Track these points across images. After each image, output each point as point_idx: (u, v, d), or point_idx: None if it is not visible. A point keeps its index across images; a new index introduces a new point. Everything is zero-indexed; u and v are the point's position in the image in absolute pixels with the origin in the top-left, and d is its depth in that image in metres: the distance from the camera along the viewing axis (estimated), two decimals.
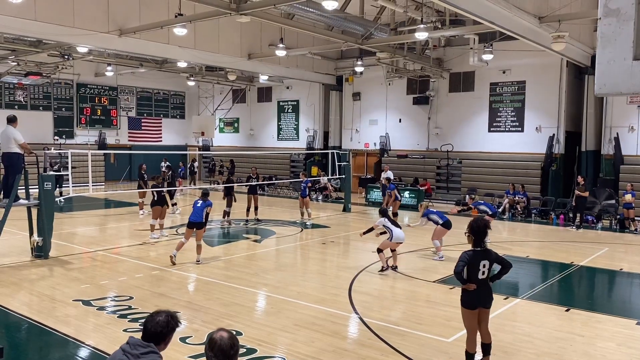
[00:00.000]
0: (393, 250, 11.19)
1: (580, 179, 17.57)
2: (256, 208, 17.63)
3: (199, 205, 11.49)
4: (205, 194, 11.69)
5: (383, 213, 11.37)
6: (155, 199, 14.58)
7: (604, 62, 2.83)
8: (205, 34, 20.40)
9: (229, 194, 16.94)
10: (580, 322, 8.02)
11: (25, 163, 11.69)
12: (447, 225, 12.18)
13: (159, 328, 3.32)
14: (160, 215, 14.51)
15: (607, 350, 6.89)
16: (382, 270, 10.93)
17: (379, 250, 11.00)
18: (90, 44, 18.10)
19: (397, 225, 11.06)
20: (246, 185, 18.01)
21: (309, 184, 18.99)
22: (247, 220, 17.35)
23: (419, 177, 23.90)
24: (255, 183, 17.74)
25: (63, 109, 29.02)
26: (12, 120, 11.21)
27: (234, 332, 3.37)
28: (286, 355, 6.54)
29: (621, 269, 11.87)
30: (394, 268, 11.10)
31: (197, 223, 11.40)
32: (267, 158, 30.13)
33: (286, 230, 16.16)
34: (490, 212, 13.54)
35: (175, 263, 11.16)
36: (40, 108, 28.13)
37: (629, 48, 2.75)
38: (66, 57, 20.67)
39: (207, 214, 11.47)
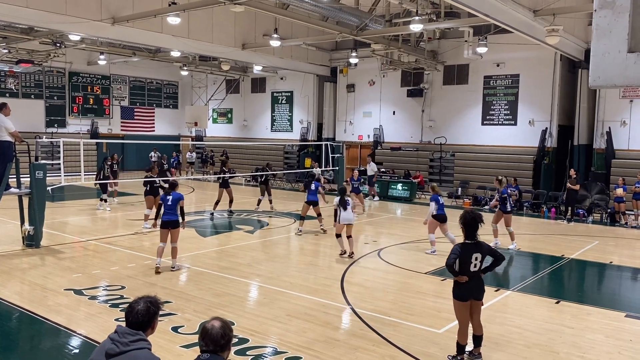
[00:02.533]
0: (349, 237, 11.45)
1: (572, 172, 17.68)
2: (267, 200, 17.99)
3: (169, 202, 9.97)
4: (173, 185, 10.35)
5: (340, 192, 11.62)
6: (148, 189, 14.54)
7: (598, 54, 2.83)
8: (199, 23, 20.26)
9: (227, 186, 16.91)
10: (570, 314, 8.09)
11: (17, 151, 11.59)
12: (439, 218, 12.06)
13: (140, 317, 3.29)
14: (155, 205, 14.39)
15: (596, 341, 6.97)
16: (341, 254, 11.40)
17: (337, 235, 11.47)
18: (83, 32, 17.92)
19: (344, 207, 11.26)
20: (260, 177, 18.60)
21: (361, 180, 19.03)
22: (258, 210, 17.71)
23: (412, 169, 23.94)
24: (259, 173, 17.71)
25: (55, 98, 28.78)
26: (2, 108, 11.10)
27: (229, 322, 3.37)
28: (278, 345, 6.56)
29: (611, 262, 11.97)
30: (350, 255, 11.36)
31: (171, 222, 9.93)
32: (261, 149, 30.07)
33: (279, 221, 16.16)
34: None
35: (160, 272, 9.81)
36: (32, 96, 27.89)
37: (624, 40, 2.75)
38: (58, 45, 20.47)
39: (182, 209, 10.08)
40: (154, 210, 14.13)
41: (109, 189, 18.12)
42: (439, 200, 12.02)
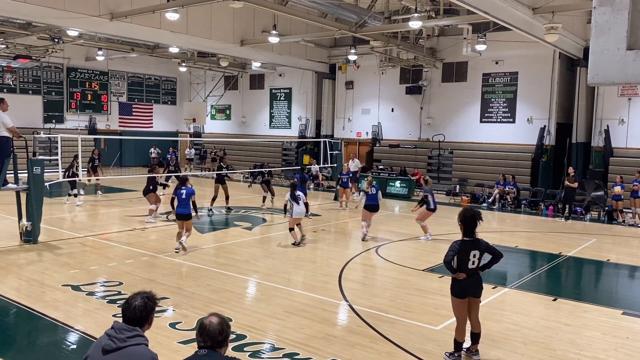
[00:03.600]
0: (298, 224, 12.27)
1: (570, 170, 17.69)
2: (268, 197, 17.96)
3: (183, 196, 11.08)
4: (184, 180, 11.45)
5: (291, 186, 12.32)
6: (151, 188, 14.90)
7: (597, 51, 2.83)
8: (198, 19, 20.21)
9: (223, 182, 16.87)
10: (567, 311, 8.11)
11: (14, 147, 11.57)
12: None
13: (138, 313, 3.30)
14: (156, 200, 14.90)
15: (593, 339, 6.98)
16: (293, 244, 12.09)
17: (290, 229, 12.20)
18: (81, 27, 17.86)
19: (297, 202, 11.99)
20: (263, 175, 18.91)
21: (350, 175, 19.06)
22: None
23: (410, 167, 23.93)
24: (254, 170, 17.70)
25: (53, 93, 28.70)
26: (0, 103, 11.07)
27: (227, 318, 3.37)
28: (276, 342, 6.57)
29: (608, 260, 12.00)
30: (297, 244, 12.06)
31: (185, 215, 11.08)
32: (259, 146, 30.05)
33: (277, 218, 16.15)
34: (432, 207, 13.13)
35: (186, 249, 11.09)
36: (30, 92, 27.81)
37: (623, 38, 2.74)
38: (56, 40, 20.41)
39: (194, 202, 11.17)
40: (159, 204, 14.77)
41: (87, 182, 19.34)
42: (432, 193, 13.05)
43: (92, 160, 19.65)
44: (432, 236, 13.12)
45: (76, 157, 17.46)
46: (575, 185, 17.49)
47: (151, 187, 14.91)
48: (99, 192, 20.10)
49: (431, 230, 13.32)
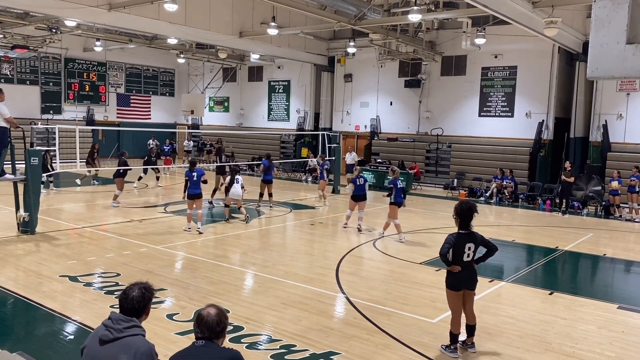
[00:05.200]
0: (227, 206, 13.99)
1: (567, 164, 17.72)
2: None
3: (195, 178, 12.33)
4: (193, 163, 12.83)
5: (231, 171, 14.04)
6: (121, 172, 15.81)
7: (597, 45, 2.82)
8: (196, 11, 20.12)
9: (224, 173, 16.95)
10: (563, 305, 8.15)
11: (12, 137, 11.53)
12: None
13: (136, 304, 3.30)
14: (122, 187, 15.84)
15: (588, 332, 7.02)
16: (227, 220, 13.80)
17: (226, 205, 14.00)
18: (79, 17, 17.76)
19: (232, 184, 13.57)
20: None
21: (326, 167, 18.95)
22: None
23: (409, 160, 23.94)
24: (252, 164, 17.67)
25: (50, 84, 28.58)
26: None
27: (224, 309, 3.38)
28: (273, 333, 6.59)
29: (604, 255, 12.04)
30: (227, 220, 13.79)
31: (196, 194, 12.37)
32: (257, 138, 30.00)
33: (275, 210, 16.16)
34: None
35: (201, 232, 12.29)
36: (27, 82, 27.69)
37: (623, 32, 2.74)
38: (54, 30, 20.30)
39: (205, 181, 12.50)
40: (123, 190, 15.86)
41: (87, 174, 20.17)
42: (397, 185, 12.43)
43: (92, 153, 19.82)
44: (428, 230, 13.10)
45: (48, 151, 17.59)
46: (572, 179, 17.53)
47: (121, 172, 15.79)
48: (95, 182, 20.39)
49: (404, 235, 12.38)
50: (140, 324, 3.32)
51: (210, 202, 16.56)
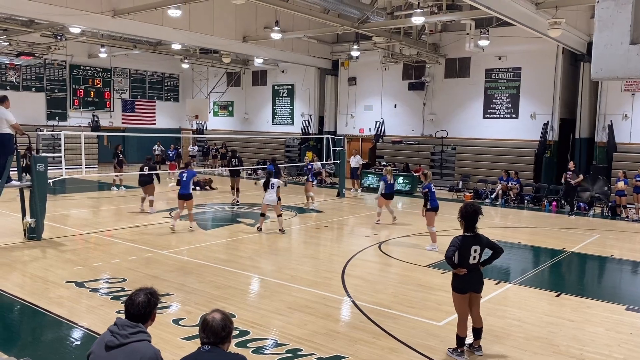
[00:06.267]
0: (262, 215, 13.29)
1: (571, 165, 17.68)
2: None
3: (185, 178, 12.73)
4: (187, 164, 13.24)
5: (267, 174, 13.52)
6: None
7: (600, 46, 2.81)
8: (200, 16, 20.19)
9: (239, 174, 17.42)
10: (570, 307, 8.10)
11: (17, 144, 11.59)
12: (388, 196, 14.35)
13: (142, 309, 3.31)
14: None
15: (596, 334, 6.98)
16: (259, 229, 13.20)
17: (261, 214, 13.27)
18: (83, 24, 17.88)
19: (266, 189, 12.96)
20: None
21: (312, 169, 18.98)
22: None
23: (413, 163, 23.91)
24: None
25: (56, 91, 28.74)
26: (2, 101, 11.07)
27: (229, 314, 3.38)
28: (279, 338, 6.58)
29: (611, 256, 11.98)
30: (259, 229, 13.20)
31: (184, 195, 12.72)
32: (262, 142, 30.04)
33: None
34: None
35: (174, 232, 12.71)
36: (33, 89, 27.86)
37: (626, 32, 2.73)
38: (59, 37, 20.41)
39: (198, 182, 12.92)
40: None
41: (115, 178, 20.38)
42: (387, 181, 14.29)
43: (116, 155, 20.08)
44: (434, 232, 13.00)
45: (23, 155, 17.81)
46: (580, 179, 17.48)
47: (150, 178, 15.82)
48: (114, 187, 20.33)
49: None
50: (146, 330, 3.33)
51: (236, 202, 16.84)
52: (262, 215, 13.21)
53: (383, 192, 14.45)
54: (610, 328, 7.22)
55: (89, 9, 16.78)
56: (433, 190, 11.97)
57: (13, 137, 11.25)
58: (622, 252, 12.58)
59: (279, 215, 13.13)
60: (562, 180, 17.95)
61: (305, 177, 18.71)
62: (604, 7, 2.79)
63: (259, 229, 13.20)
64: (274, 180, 12.87)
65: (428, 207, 11.86)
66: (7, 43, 22.57)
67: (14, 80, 27.04)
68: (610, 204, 18.03)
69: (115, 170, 20.32)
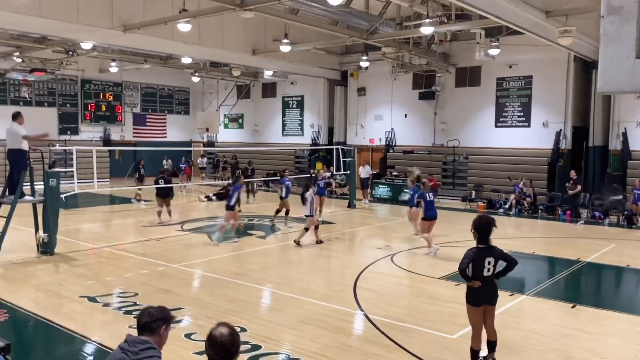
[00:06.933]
0: (316, 228, 13.27)
1: (572, 173, 17.63)
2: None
3: (231, 192, 13.66)
4: (236, 178, 14.59)
5: (304, 187, 13.34)
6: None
7: (606, 60, 2.79)
8: (210, 30, 20.36)
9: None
10: (586, 318, 7.98)
11: (31, 160, 11.72)
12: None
13: (151, 318, 3.37)
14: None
15: (614, 346, 6.86)
16: (318, 242, 13.16)
17: (305, 229, 12.98)
18: (95, 40, 18.12)
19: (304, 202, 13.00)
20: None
21: (326, 181, 18.75)
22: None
23: (425, 172, 23.72)
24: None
25: (68, 105, 29.07)
26: (16, 117, 11.23)
27: (235, 327, 3.34)
28: (291, 352, 6.54)
29: (628, 265, 11.79)
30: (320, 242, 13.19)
31: (230, 207, 13.52)
32: (272, 154, 30.11)
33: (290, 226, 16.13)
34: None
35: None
36: (45, 104, 28.20)
37: (632, 46, 2.71)
38: (70, 53, 20.71)
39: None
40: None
41: (137, 192, 20.81)
42: (426, 198, 12.57)
43: (137, 169, 20.55)
44: (446, 245, 12.90)
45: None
46: (578, 189, 17.45)
47: (165, 191, 16.27)
48: (134, 200, 20.73)
49: (436, 245, 12.20)
50: (156, 346, 3.32)
51: (272, 223, 16.29)
52: (306, 229, 13.08)
53: (423, 216, 12.33)
54: (628, 339, 7.09)
55: (100, 24, 16.99)
56: (429, 199, 11.99)
57: (26, 154, 11.38)
58: (638, 261, 12.38)
59: (316, 227, 13.34)
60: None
61: (316, 191, 18.14)
62: (609, 22, 2.78)
63: (298, 244, 12.99)
64: (307, 194, 13.01)
65: (422, 216, 12.06)
66: (20, 59, 22.93)
67: (27, 96, 27.41)
68: (626, 212, 17.79)
69: (136, 184, 20.63)
